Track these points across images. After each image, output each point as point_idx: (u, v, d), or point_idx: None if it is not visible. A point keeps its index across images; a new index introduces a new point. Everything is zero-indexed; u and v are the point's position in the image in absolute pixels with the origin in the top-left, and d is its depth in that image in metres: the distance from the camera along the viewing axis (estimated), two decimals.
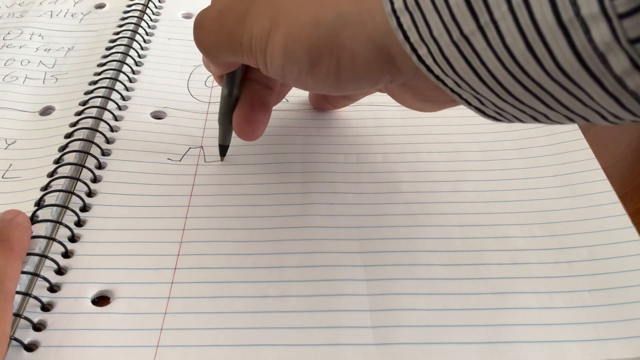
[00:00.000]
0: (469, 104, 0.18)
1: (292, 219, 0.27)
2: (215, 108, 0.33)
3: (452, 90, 0.18)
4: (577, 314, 0.23)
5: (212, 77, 0.35)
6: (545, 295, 0.24)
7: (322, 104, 0.32)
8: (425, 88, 0.21)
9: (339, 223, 0.26)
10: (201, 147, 0.30)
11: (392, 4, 0.17)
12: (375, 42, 0.18)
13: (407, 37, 0.17)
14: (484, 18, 0.15)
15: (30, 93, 0.34)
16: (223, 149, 0.29)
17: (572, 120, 0.17)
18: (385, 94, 0.26)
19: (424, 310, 0.23)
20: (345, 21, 0.19)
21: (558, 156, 0.30)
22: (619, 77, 0.13)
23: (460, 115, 0.32)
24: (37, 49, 0.37)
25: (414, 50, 0.17)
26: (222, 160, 0.29)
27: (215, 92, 0.34)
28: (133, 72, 0.35)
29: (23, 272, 0.23)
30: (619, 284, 0.24)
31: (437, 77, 0.18)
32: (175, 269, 0.24)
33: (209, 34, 0.23)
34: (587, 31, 0.13)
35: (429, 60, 0.17)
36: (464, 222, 0.26)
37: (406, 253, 0.25)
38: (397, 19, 0.17)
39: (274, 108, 0.28)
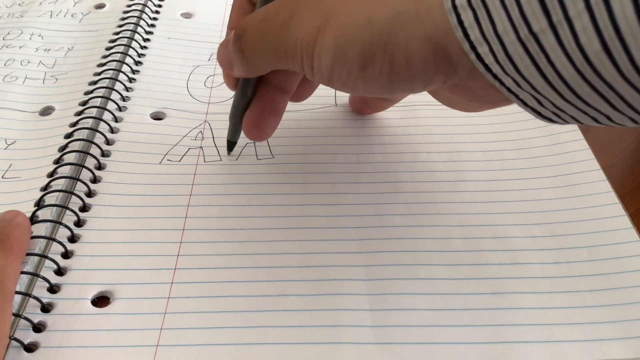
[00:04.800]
0: (525, 104, 0.18)
1: (292, 219, 0.27)
2: (215, 108, 0.33)
3: (509, 90, 0.18)
4: (577, 314, 0.23)
5: (211, 78, 0.35)
6: (545, 295, 0.24)
7: (362, 108, 0.32)
8: (477, 88, 0.21)
9: (339, 223, 0.26)
10: (201, 147, 0.30)
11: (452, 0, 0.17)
12: (431, 41, 0.18)
13: (467, 35, 0.17)
14: (557, 16, 0.14)
15: (30, 93, 0.34)
16: (231, 145, 0.29)
17: (635, 122, 0.16)
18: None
19: (424, 310, 0.23)
20: (402, 20, 0.18)
21: (558, 156, 0.30)
22: None
23: (460, 115, 0.32)
24: (37, 49, 0.37)
25: (473, 48, 0.17)
26: (228, 154, 0.30)
27: (214, 92, 0.34)
28: (133, 72, 0.35)
29: (23, 272, 0.23)
30: (618, 285, 0.24)
31: (494, 76, 0.17)
32: (175, 269, 0.24)
33: (252, 42, 0.22)
34: None
35: (488, 59, 0.17)
36: (463, 222, 0.26)
37: (406, 253, 0.25)
38: (458, 15, 0.16)
39: None
